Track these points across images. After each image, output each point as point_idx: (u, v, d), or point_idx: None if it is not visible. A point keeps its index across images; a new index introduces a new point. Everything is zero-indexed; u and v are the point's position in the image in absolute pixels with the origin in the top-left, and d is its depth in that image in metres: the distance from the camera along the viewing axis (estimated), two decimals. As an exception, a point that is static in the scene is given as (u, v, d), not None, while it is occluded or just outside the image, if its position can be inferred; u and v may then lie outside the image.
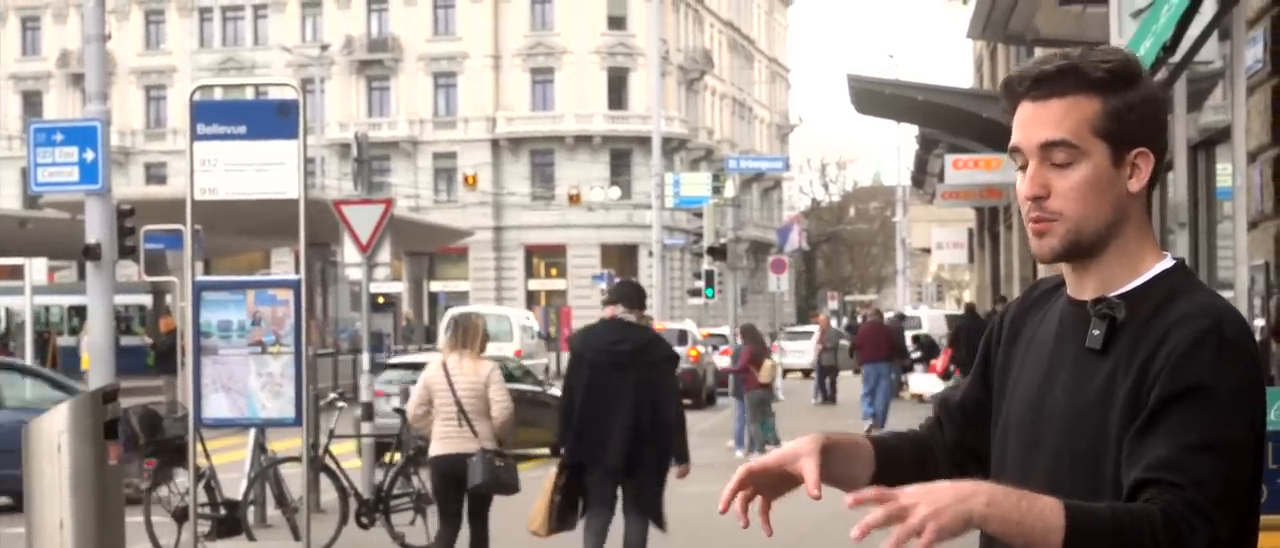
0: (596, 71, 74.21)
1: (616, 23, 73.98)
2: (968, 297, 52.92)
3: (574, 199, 70.15)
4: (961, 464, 2.66)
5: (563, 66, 74.40)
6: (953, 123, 25.18)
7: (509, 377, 17.07)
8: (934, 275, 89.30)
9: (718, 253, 31.71)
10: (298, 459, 12.43)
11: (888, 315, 36.99)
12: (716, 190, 50.18)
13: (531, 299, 71.52)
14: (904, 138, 66.72)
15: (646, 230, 58.05)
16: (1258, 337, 8.70)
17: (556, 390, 17.02)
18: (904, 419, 25.33)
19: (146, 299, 43.57)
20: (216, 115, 11.35)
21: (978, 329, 23.21)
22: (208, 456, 12.65)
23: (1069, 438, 2.43)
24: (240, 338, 11.15)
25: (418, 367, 17.54)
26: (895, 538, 2.17)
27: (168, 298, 33.48)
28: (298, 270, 12.16)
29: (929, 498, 2.18)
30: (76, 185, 15.94)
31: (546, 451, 17.17)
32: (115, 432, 9.85)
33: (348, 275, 21.39)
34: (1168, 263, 2.48)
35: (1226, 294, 9.32)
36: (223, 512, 12.97)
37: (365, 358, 18.23)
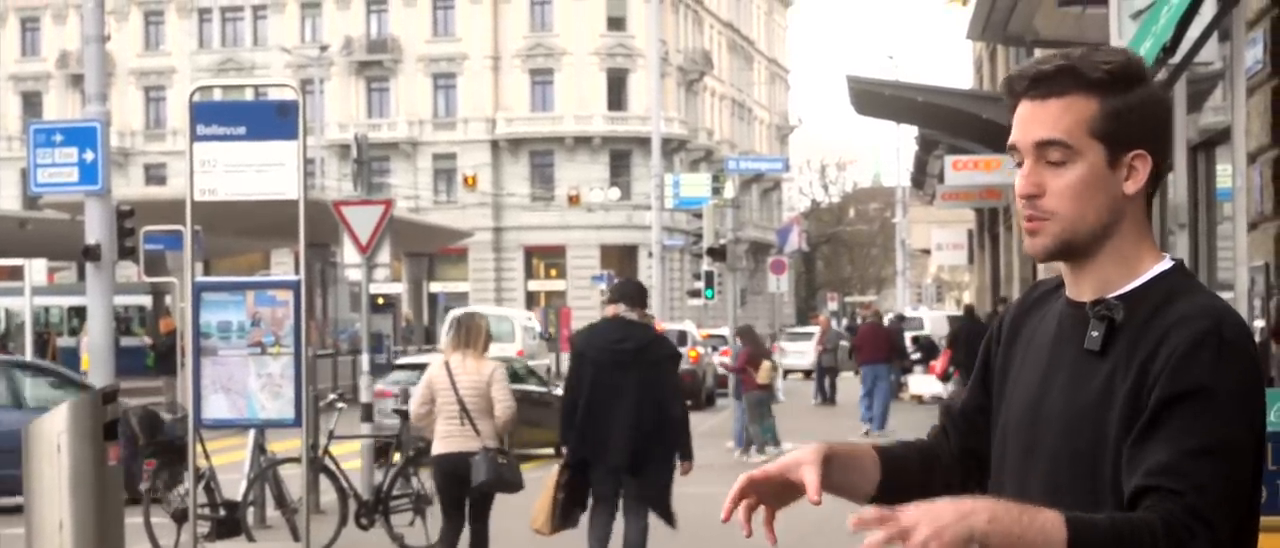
0: (596, 72, 74.19)
1: (616, 24, 73.96)
2: (967, 298, 52.91)
3: (573, 200, 70.11)
4: (971, 473, 2.65)
5: (562, 67, 74.39)
6: (952, 124, 25.19)
7: (515, 377, 17.07)
8: (934, 277, 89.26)
9: (717, 254, 31.68)
10: (297, 460, 12.43)
11: (888, 317, 37.00)
12: (716, 191, 50.13)
13: (531, 300, 71.49)
14: (904, 139, 66.88)
15: (646, 231, 58.05)
16: (1257, 338, 8.70)
17: (560, 391, 17.03)
18: (903, 420, 25.34)
19: (146, 300, 43.56)
20: (216, 116, 11.36)
21: (977, 331, 23.20)
22: (207, 456, 12.66)
23: (1067, 440, 2.42)
24: (240, 339, 11.15)
25: (424, 368, 17.54)
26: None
27: (167, 299, 33.48)
28: (297, 271, 12.17)
29: (929, 517, 2.17)
30: (76, 186, 15.95)
31: (551, 450, 17.19)
32: (115, 432, 9.86)
33: (347, 276, 21.40)
34: (1166, 264, 2.47)
35: (1226, 295, 9.31)
36: (222, 513, 12.99)
37: (365, 359, 18.22)
